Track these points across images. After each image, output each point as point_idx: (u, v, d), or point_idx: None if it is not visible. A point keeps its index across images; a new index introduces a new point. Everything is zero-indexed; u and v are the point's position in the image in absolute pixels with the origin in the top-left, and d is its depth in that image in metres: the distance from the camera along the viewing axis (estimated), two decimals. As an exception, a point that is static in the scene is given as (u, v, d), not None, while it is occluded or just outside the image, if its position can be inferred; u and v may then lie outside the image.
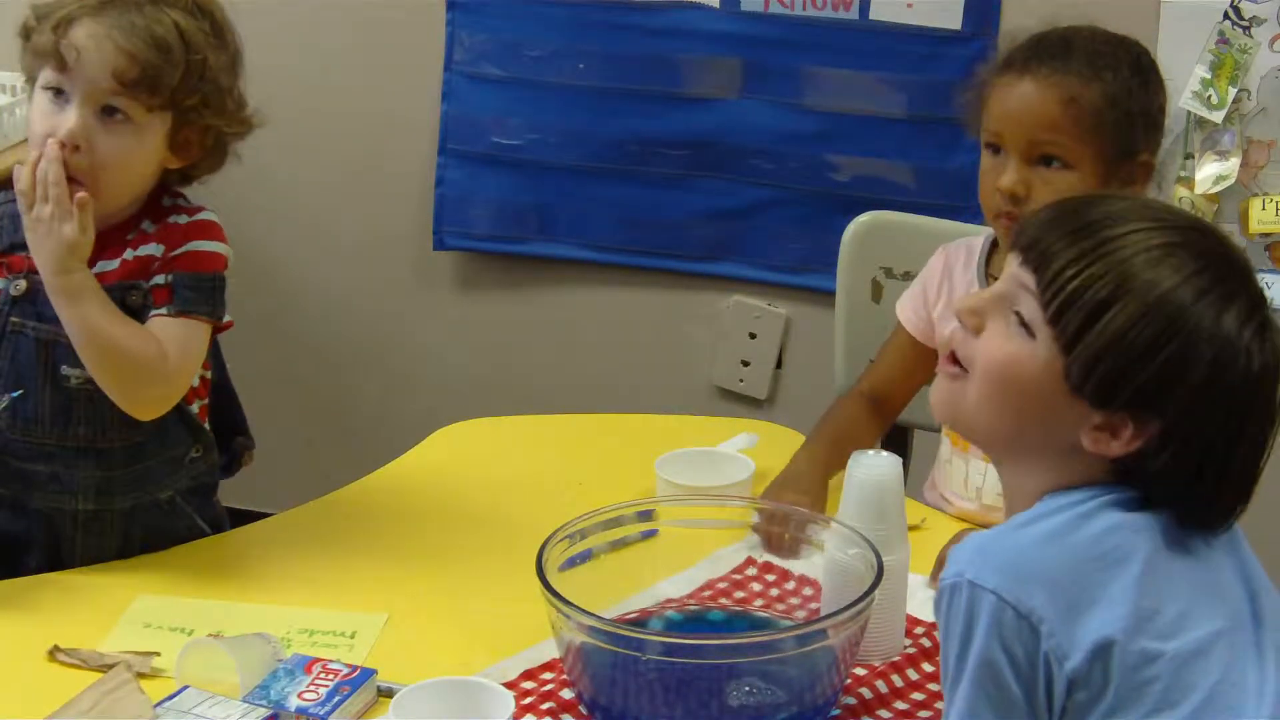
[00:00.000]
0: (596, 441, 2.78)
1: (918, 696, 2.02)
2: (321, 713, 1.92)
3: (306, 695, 1.94)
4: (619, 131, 3.72)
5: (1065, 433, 1.59)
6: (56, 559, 2.36)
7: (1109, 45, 2.40)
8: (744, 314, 3.77)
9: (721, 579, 2.22)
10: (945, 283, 2.59)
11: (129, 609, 2.21)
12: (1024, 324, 1.59)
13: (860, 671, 2.04)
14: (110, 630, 2.15)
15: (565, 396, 3.74)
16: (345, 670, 2.00)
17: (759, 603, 2.19)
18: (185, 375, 2.34)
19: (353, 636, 2.15)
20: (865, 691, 2.02)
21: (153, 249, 2.34)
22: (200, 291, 2.34)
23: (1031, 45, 2.41)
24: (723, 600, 2.18)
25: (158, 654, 2.06)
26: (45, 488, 2.35)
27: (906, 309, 2.65)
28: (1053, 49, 2.38)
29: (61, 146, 2.20)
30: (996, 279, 2.39)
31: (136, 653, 2.05)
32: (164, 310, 2.32)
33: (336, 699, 1.94)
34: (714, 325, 3.81)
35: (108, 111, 2.24)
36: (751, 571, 2.23)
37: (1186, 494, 1.58)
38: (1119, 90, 2.35)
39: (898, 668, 2.06)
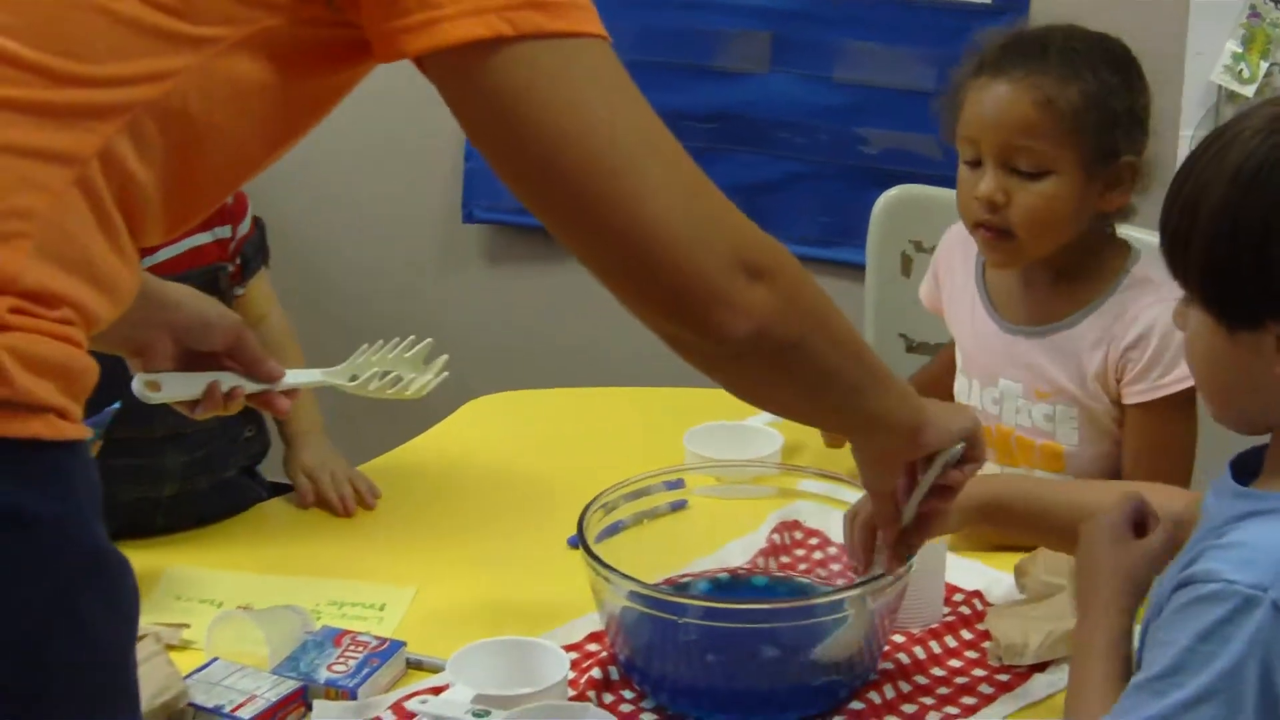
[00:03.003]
0: (625, 415, 2.78)
1: (955, 663, 2.02)
2: (351, 685, 1.92)
3: (336, 667, 1.95)
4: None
5: None
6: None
7: (1086, 44, 2.32)
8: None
9: (764, 545, 2.22)
10: (950, 269, 2.56)
11: (159, 581, 2.22)
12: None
13: (899, 638, 2.05)
14: (140, 602, 2.15)
15: (593, 370, 3.74)
16: (374, 642, 2.00)
17: (802, 567, 2.20)
18: None
19: (382, 609, 2.16)
20: (903, 657, 2.03)
21: (224, 231, 2.47)
22: (262, 248, 2.56)
23: (1005, 46, 2.33)
24: (764, 565, 2.18)
25: (187, 626, 2.07)
26: (134, 479, 2.37)
27: (926, 294, 2.64)
28: (1027, 49, 2.31)
29: None
30: (990, 282, 2.40)
31: (166, 625, 2.06)
32: (250, 280, 2.52)
33: (366, 671, 1.94)
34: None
35: None
36: (798, 535, 2.24)
37: None
38: (1098, 90, 2.27)
39: (936, 635, 2.06)
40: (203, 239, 2.45)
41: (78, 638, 1.25)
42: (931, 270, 2.61)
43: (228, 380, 1.88)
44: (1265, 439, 1.57)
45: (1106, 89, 2.27)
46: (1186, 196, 1.50)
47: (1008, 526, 2.01)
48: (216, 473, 2.49)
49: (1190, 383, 1.77)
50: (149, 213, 1.32)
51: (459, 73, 1.35)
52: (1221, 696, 1.43)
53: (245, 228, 2.54)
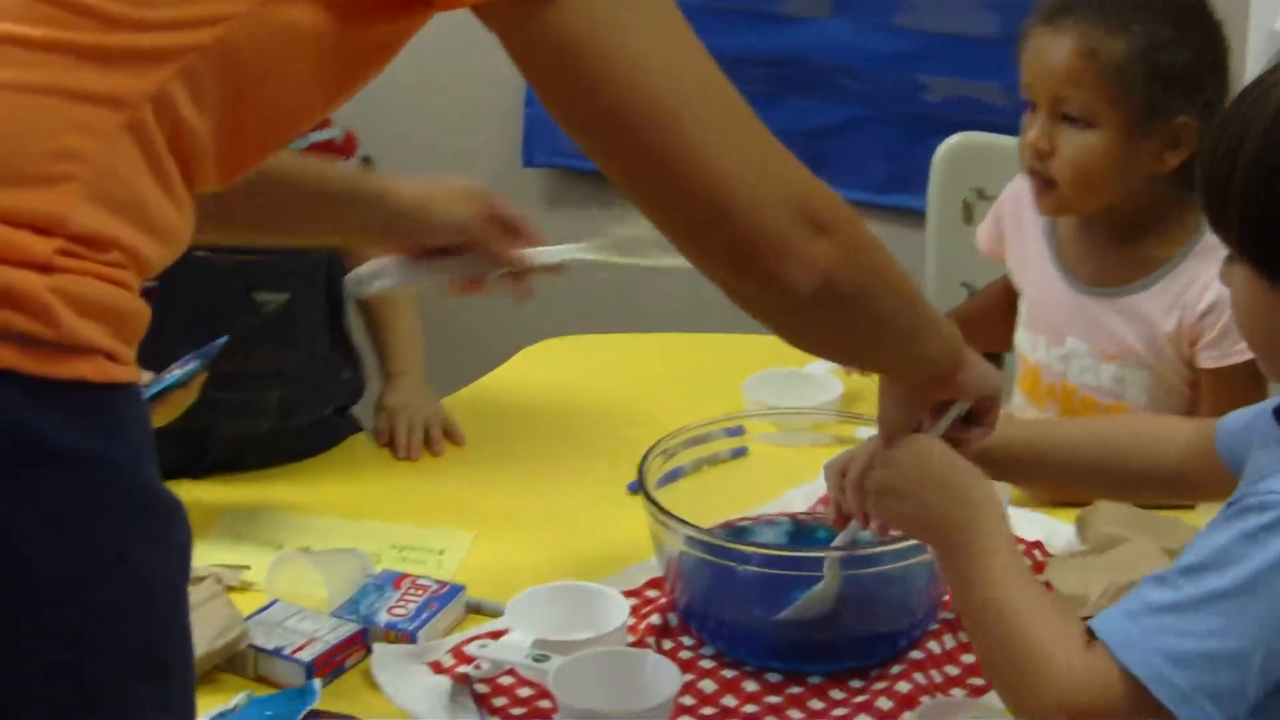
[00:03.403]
0: (684, 361, 2.78)
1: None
2: (410, 628, 1.93)
3: (396, 610, 1.96)
4: (709, 49, 3.69)
5: None
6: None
7: None
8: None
9: (824, 494, 2.21)
10: (1018, 220, 2.52)
11: (218, 521, 2.23)
12: None
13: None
14: (200, 543, 2.17)
15: (653, 315, 3.74)
16: (434, 586, 2.01)
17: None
18: None
19: (441, 553, 2.16)
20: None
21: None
22: None
23: None
24: (825, 513, 2.18)
25: (248, 567, 2.08)
26: (234, 413, 2.39)
27: (986, 237, 2.61)
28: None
29: None
30: (1061, 239, 2.37)
31: (227, 566, 2.07)
32: None
33: (425, 615, 1.95)
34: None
35: None
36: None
37: None
38: (1148, 44, 2.22)
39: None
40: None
41: (127, 580, 1.25)
42: (994, 216, 2.58)
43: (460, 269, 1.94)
44: None
45: (1156, 43, 2.23)
46: (1224, 145, 1.46)
47: (1012, 478, 1.96)
48: (312, 411, 2.50)
49: (1246, 355, 1.75)
50: (204, 159, 1.32)
51: (517, 23, 1.34)
52: (1262, 593, 1.38)
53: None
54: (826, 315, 1.50)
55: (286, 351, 2.34)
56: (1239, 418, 1.69)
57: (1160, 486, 1.85)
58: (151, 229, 1.29)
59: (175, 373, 2.06)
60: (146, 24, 1.26)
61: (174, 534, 1.31)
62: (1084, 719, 1.43)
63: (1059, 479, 1.96)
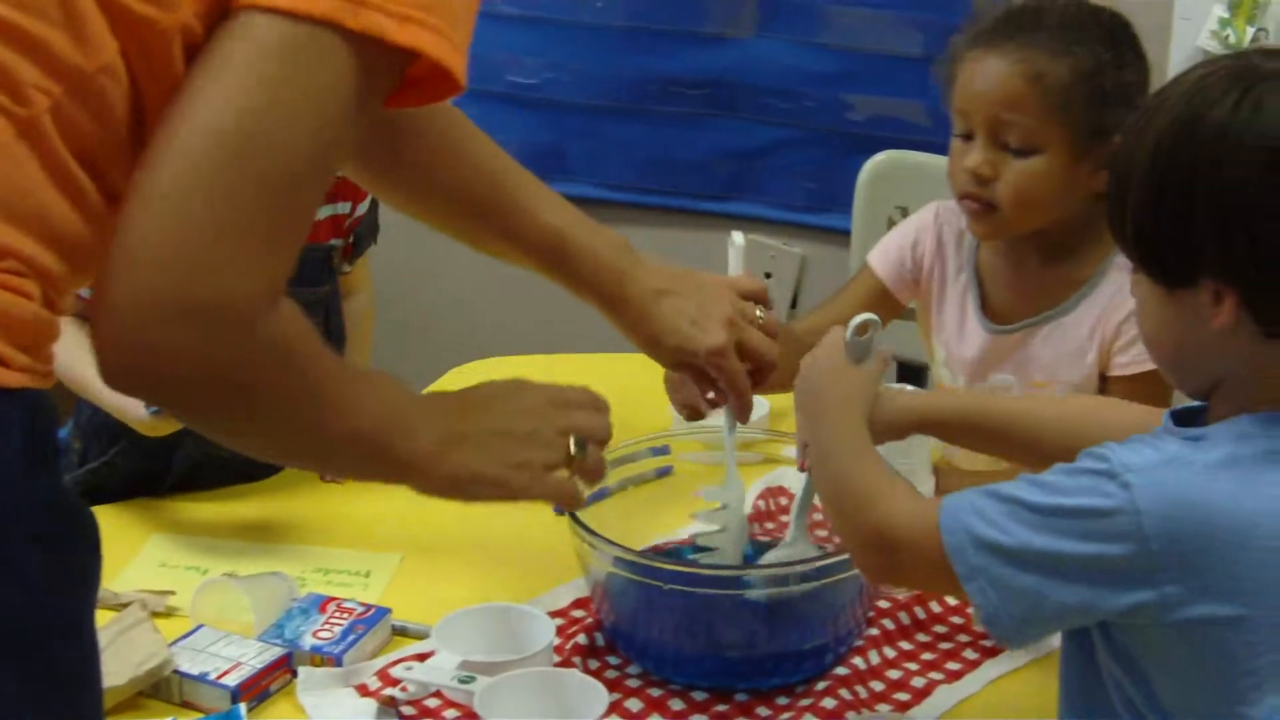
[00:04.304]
0: (611, 380, 2.76)
1: (940, 629, 2.04)
2: (336, 651, 1.93)
3: (321, 634, 1.95)
4: (635, 70, 3.72)
5: None
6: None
7: (1082, 18, 2.26)
8: (759, 253, 3.76)
9: (749, 511, 2.23)
10: (937, 261, 2.47)
11: (144, 548, 2.22)
12: None
13: (884, 604, 2.06)
14: (125, 569, 2.16)
15: (580, 336, 3.74)
16: (360, 609, 2.00)
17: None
18: None
19: (367, 576, 2.16)
20: (888, 623, 2.05)
21: (344, 206, 2.46)
22: (375, 226, 2.58)
23: (1001, 17, 2.28)
24: (750, 530, 2.19)
25: (173, 593, 2.07)
26: (195, 433, 2.37)
27: (885, 260, 2.52)
28: (1021, 21, 2.25)
29: None
30: (984, 270, 2.37)
31: (151, 591, 2.06)
32: (359, 258, 2.57)
33: (351, 638, 1.95)
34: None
35: None
36: (783, 501, 2.27)
37: None
38: (1090, 66, 2.21)
39: (922, 600, 2.08)
40: (322, 212, 2.41)
41: (15, 587, 1.23)
42: (904, 239, 2.52)
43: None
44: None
45: (1098, 65, 2.22)
46: (1119, 167, 1.52)
47: (945, 438, 2.00)
48: None
49: None
50: (119, 170, 1.30)
51: None
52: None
53: (365, 206, 2.52)
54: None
55: None
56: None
57: None
58: (52, 241, 1.27)
59: None
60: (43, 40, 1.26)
61: (75, 549, 1.29)
62: (894, 548, 1.55)
63: (990, 448, 1.98)
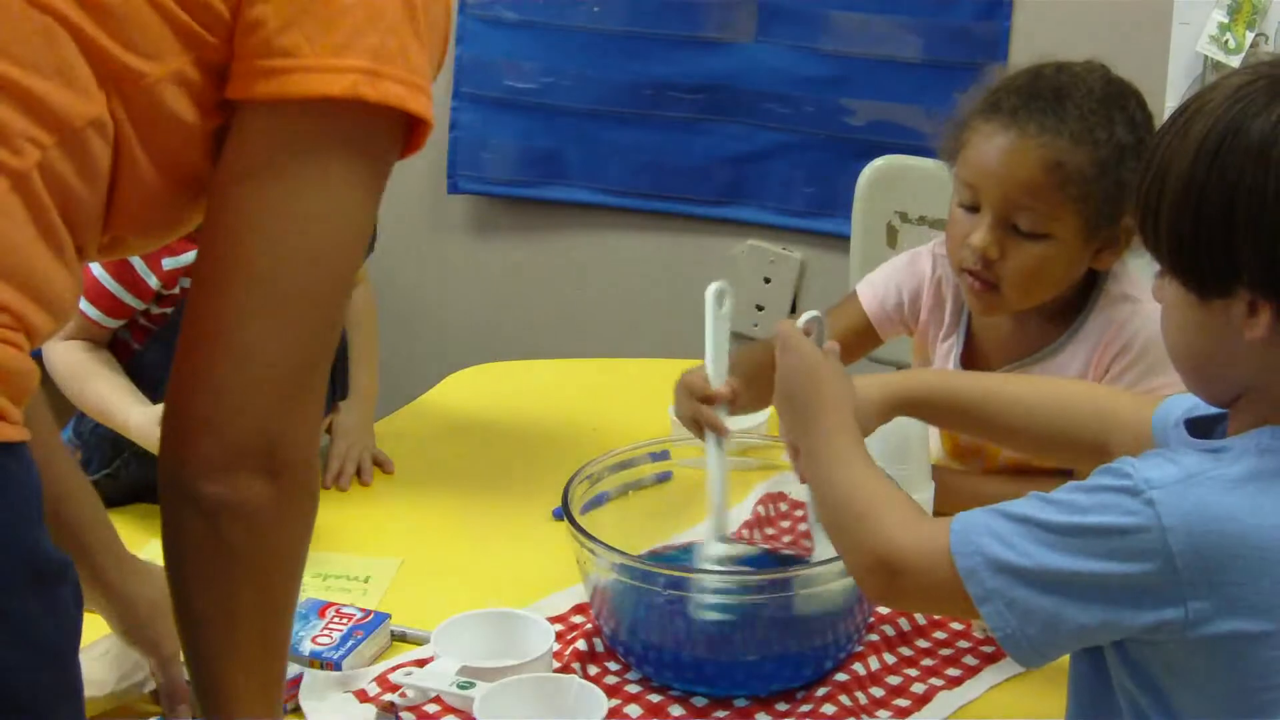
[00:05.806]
0: (610, 386, 2.78)
1: (940, 635, 2.03)
2: (335, 656, 1.92)
3: (320, 639, 1.95)
4: (634, 75, 3.71)
5: None
6: None
7: (1108, 100, 2.14)
8: (759, 258, 3.76)
9: (749, 517, 2.23)
10: (933, 317, 2.40)
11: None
12: None
13: (884, 610, 2.05)
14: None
15: (578, 341, 3.74)
16: (359, 614, 2.00)
17: (787, 539, 2.21)
18: None
19: (366, 581, 2.16)
20: (888, 628, 2.04)
21: None
22: (374, 236, 2.53)
23: (1022, 90, 2.16)
24: (750, 536, 2.20)
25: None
26: None
27: (874, 297, 2.45)
28: (1044, 100, 2.13)
29: None
30: (974, 332, 2.34)
31: (151, 596, 2.06)
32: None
33: (350, 643, 1.94)
34: (728, 270, 3.81)
35: None
36: (783, 507, 2.26)
37: None
38: (1111, 154, 2.11)
39: (921, 607, 2.07)
40: None
41: (13, 639, 1.23)
42: (899, 288, 2.43)
43: None
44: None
45: (1120, 155, 2.12)
46: (1154, 170, 1.50)
47: (931, 420, 1.98)
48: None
49: (1169, 391, 1.75)
50: (91, 228, 1.32)
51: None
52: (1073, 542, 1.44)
53: None
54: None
55: None
56: (1179, 403, 1.69)
57: (1082, 453, 1.85)
58: (39, 297, 1.28)
59: None
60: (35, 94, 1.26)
61: (63, 593, 1.29)
62: (898, 572, 1.51)
63: (962, 427, 1.97)
